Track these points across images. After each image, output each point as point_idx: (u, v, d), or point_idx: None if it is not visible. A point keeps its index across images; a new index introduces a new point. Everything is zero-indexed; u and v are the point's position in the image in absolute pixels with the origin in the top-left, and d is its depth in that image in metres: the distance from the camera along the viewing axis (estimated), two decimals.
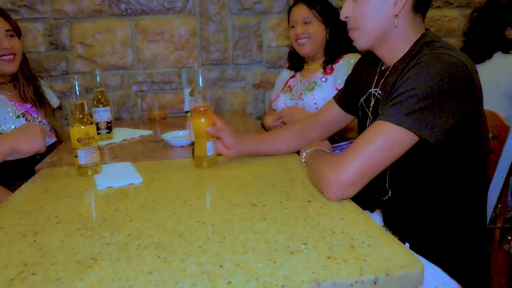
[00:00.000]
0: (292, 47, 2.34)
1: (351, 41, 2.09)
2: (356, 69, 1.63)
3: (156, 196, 1.32)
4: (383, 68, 1.41)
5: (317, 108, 2.14)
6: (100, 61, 2.76)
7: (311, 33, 2.21)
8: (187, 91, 2.63)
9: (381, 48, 1.35)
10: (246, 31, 2.85)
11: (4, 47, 1.99)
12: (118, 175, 1.52)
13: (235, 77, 2.89)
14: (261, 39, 2.88)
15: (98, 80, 2.10)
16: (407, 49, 1.30)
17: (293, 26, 2.27)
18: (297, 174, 1.46)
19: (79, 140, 1.50)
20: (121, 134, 2.22)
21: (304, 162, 1.53)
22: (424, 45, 1.25)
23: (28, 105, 2.12)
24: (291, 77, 2.41)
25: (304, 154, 1.54)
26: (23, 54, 2.12)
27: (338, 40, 2.22)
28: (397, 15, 1.26)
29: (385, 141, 1.13)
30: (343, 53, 2.20)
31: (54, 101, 2.30)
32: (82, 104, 1.51)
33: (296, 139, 1.69)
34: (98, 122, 2.09)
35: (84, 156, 1.52)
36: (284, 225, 1.07)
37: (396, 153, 1.15)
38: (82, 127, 1.51)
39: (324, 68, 2.22)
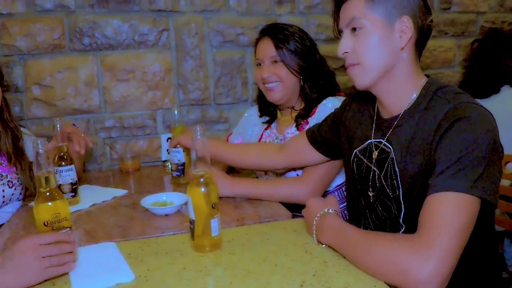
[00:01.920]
0: (259, 90, 1.97)
1: (327, 83, 1.81)
2: (342, 112, 1.53)
3: None
4: (385, 117, 1.31)
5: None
6: (61, 105, 2.36)
7: (281, 76, 1.81)
8: (163, 137, 2.27)
9: (383, 88, 1.26)
10: (228, 66, 2.52)
11: None
12: (101, 270, 1.15)
13: (218, 119, 2.54)
14: (246, 74, 2.55)
15: (59, 131, 1.71)
16: (415, 95, 1.24)
17: (259, 64, 1.88)
18: (325, 261, 1.16)
19: (46, 223, 1.17)
20: (89, 196, 1.83)
21: (321, 243, 1.27)
22: (436, 91, 1.20)
23: None
24: (266, 129, 2.01)
25: (314, 230, 1.28)
26: (4, 99, 1.83)
27: (314, 83, 1.84)
28: (403, 48, 1.20)
29: (467, 215, 1.02)
30: (319, 100, 1.83)
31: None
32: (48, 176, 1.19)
33: (262, 157, 1.76)
34: (60, 185, 1.71)
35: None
36: None
37: (472, 224, 1.04)
38: (50, 203, 1.18)
39: (298, 125, 1.84)
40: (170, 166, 2.06)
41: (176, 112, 1.99)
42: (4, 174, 1.77)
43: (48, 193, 1.19)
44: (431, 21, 1.23)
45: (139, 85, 2.43)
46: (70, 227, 1.23)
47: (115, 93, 2.41)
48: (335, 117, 1.56)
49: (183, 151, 1.93)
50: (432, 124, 1.14)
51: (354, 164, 1.40)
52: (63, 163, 1.71)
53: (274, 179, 1.84)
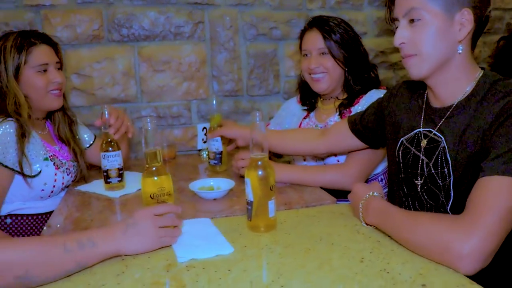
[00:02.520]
0: (303, 77, 2.02)
1: (371, 75, 1.86)
2: (387, 101, 1.54)
3: (223, 283, 1.01)
4: (436, 106, 1.32)
5: None
6: (99, 94, 2.42)
7: (328, 67, 1.86)
8: (199, 126, 2.31)
9: (438, 78, 1.27)
10: (261, 59, 2.57)
11: (56, 80, 1.78)
12: (201, 241, 1.25)
13: (250, 110, 2.59)
14: (278, 67, 2.60)
15: (107, 119, 1.77)
16: (469, 86, 1.24)
17: (306, 56, 1.93)
18: (378, 240, 1.21)
19: (152, 196, 1.30)
20: (133, 181, 1.88)
21: (367, 224, 1.32)
22: (493, 84, 1.20)
23: (56, 148, 1.85)
24: (305, 118, 2.06)
25: (361, 212, 1.33)
26: None
27: (358, 75, 1.89)
28: (461, 41, 1.21)
29: None
30: (362, 92, 1.88)
31: (87, 140, 2.03)
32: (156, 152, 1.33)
33: (304, 141, 1.80)
34: (108, 170, 1.76)
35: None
36: None
37: None
38: (156, 178, 1.31)
39: (341, 114, 1.89)
40: (206, 154, 2.11)
41: (214, 102, 2.03)
42: (64, 161, 1.83)
43: (154, 168, 1.30)
44: (489, 11, 1.24)
45: (174, 76, 2.49)
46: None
47: (152, 83, 2.47)
48: (379, 106, 1.58)
49: (221, 140, 1.97)
50: (489, 115, 1.15)
51: (400, 153, 1.41)
52: (110, 148, 1.77)
53: (318, 166, 1.88)
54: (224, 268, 1.09)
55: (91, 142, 2.05)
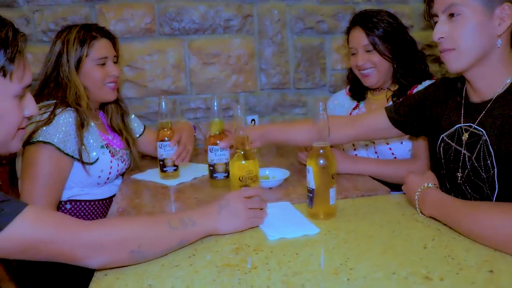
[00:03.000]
0: (351, 70, 2.05)
1: (421, 66, 1.85)
2: (425, 97, 1.54)
3: (292, 266, 1.04)
4: (475, 101, 1.33)
5: (395, 158, 1.88)
6: (150, 86, 2.49)
7: (375, 62, 1.89)
8: (248, 118, 2.35)
9: (476, 72, 1.28)
10: (308, 52, 2.59)
11: (113, 74, 1.85)
12: (288, 223, 1.33)
13: (296, 103, 2.62)
14: (325, 61, 2.62)
15: (163, 109, 1.83)
16: (509, 80, 1.25)
17: (353, 54, 1.96)
18: (439, 228, 1.22)
19: (240, 179, 1.38)
20: (187, 170, 1.94)
21: (424, 214, 1.33)
22: None
23: (110, 137, 1.92)
24: (354, 108, 2.08)
25: (417, 204, 1.34)
26: None
27: (407, 66, 1.89)
28: (500, 35, 1.22)
29: None
30: (416, 82, 1.88)
31: (136, 130, 2.10)
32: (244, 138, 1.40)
33: (332, 131, 1.62)
34: (164, 159, 1.82)
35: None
36: None
37: None
38: (244, 162, 1.38)
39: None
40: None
41: (215, 103, 1.78)
42: (117, 149, 1.89)
43: (242, 152, 1.37)
44: None
45: (223, 69, 2.53)
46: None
47: (201, 76, 2.52)
48: (419, 100, 1.56)
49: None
50: None
51: (441, 149, 1.42)
52: (166, 138, 1.83)
53: (390, 160, 1.88)
54: (291, 252, 1.12)
55: (141, 132, 2.11)
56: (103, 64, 1.82)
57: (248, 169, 1.35)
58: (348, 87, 2.12)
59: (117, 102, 1.98)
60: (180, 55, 2.49)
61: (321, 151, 1.31)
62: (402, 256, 1.07)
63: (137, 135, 2.08)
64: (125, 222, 1.11)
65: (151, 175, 1.92)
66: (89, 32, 1.80)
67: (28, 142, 1.61)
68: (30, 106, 1.12)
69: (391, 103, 1.86)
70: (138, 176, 1.92)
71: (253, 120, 2.36)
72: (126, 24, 2.42)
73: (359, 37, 1.90)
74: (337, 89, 2.63)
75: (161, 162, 1.84)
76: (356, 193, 1.58)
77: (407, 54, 1.89)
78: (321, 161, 1.30)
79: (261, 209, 1.32)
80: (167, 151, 1.82)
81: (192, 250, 1.15)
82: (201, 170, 1.94)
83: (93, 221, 1.07)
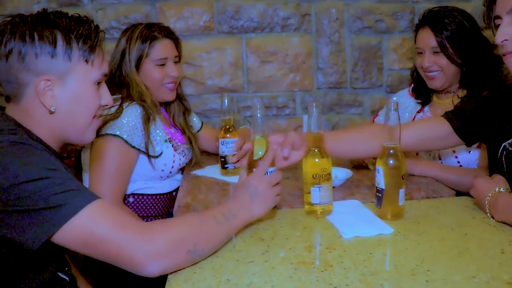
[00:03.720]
0: (416, 69, 1.98)
1: (494, 71, 1.78)
2: (487, 104, 1.50)
3: (368, 265, 1.04)
4: None
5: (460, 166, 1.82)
6: (208, 83, 2.53)
7: (442, 65, 1.82)
8: (305, 117, 2.35)
9: None
10: (366, 52, 2.57)
11: (172, 75, 1.88)
12: (361, 221, 1.33)
13: (353, 102, 2.60)
14: (382, 60, 2.60)
15: (226, 106, 1.85)
16: None
17: (420, 53, 1.89)
18: None
19: (314, 176, 1.33)
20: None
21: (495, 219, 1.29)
22: None
23: (172, 130, 1.96)
24: (418, 112, 2.01)
25: (488, 209, 1.30)
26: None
27: (478, 71, 1.80)
28: None
29: None
30: (487, 88, 1.78)
31: (195, 126, 2.14)
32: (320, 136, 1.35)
33: (373, 141, 1.50)
34: (226, 155, 1.84)
35: (319, 195, 1.34)
36: None
37: None
38: (317, 160, 1.34)
39: None
40: (223, 159, 1.89)
41: (258, 114, 1.38)
42: (179, 144, 1.93)
43: (316, 150, 1.35)
44: None
45: (280, 67, 2.54)
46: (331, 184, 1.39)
47: (258, 74, 2.54)
48: (479, 106, 1.51)
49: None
50: None
51: (503, 158, 1.38)
52: (228, 135, 1.85)
53: (452, 166, 1.83)
54: (364, 251, 1.12)
55: (199, 128, 2.15)
56: (163, 64, 1.85)
57: (322, 167, 1.34)
58: (412, 86, 2.06)
59: (180, 100, 2.01)
60: (238, 53, 2.52)
61: (391, 151, 1.30)
62: (479, 260, 1.05)
63: (195, 131, 2.11)
64: (180, 222, 1.10)
65: (211, 171, 1.94)
66: (152, 32, 1.82)
67: (97, 134, 1.66)
68: (106, 95, 1.22)
69: None
70: (198, 172, 1.95)
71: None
72: (185, 22, 2.46)
73: (427, 38, 1.83)
74: (394, 89, 2.60)
75: (223, 159, 1.86)
76: (420, 195, 1.55)
77: (478, 58, 1.80)
78: (391, 162, 1.29)
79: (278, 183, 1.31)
80: (229, 148, 1.84)
81: (265, 246, 1.17)
82: None
83: (153, 224, 1.08)
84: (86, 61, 1.12)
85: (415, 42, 1.94)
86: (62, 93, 1.11)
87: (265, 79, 2.55)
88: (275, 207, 1.35)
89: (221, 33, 2.50)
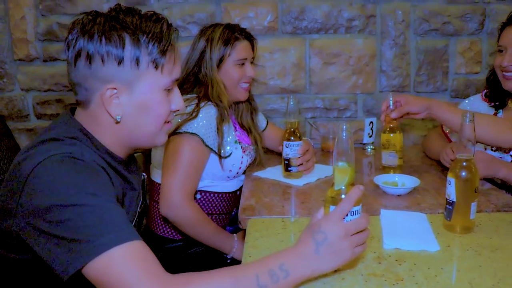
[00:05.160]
0: (493, 72, 1.91)
1: None
2: None
3: (439, 281, 1.02)
4: None
5: None
6: (270, 84, 2.54)
7: None
8: (367, 120, 2.32)
9: None
10: (431, 55, 2.51)
11: (249, 75, 1.93)
12: (409, 233, 1.30)
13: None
14: (447, 64, 2.53)
15: (291, 108, 1.85)
16: None
17: (501, 51, 1.83)
18: None
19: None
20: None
21: None
22: None
23: (238, 133, 1.99)
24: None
25: None
26: None
27: None
28: None
29: None
30: None
31: (261, 125, 2.16)
32: None
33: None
34: (290, 158, 1.85)
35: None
36: None
37: None
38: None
39: None
40: (371, 149, 2.30)
41: (344, 132, 1.10)
42: (246, 145, 1.97)
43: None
44: None
45: (343, 69, 2.52)
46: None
47: (321, 75, 2.53)
48: None
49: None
50: None
51: None
52: (292, 138, 1.85)
53: None
54: (435, 265, 1.11)
55: (264, 127, 2.18)
56: (242, 64, 1.90)
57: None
58: (485, 91, 1.99)
59: (248, 100, 2.03)
60: (301, 54, 2.51)
61: (464, 163, 1.27)
62: None
63: (261, 130, 2.13)
64: (207, 281, 0.94)
65: (272, 173, 1.95)
66: (233, 33, 1.87)
67: (174, 132, 1.72)
68: (177, 100, 1.17)
69: None
70: (260, 173, 1.96)
71: (371, 122, 2.32)
72: (249, 22, 2.47)
73: (511, 36, 1.78)
74: (459, 94, 2.53)
75: (286, 162, 1.86)
76: (491, 207, 1.51)
77: None
78: (464, 174, 1.27)
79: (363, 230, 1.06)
80: (293, 151, 1.84)
81: None
82: (324, 171, 1.95)
83: (178, 278, 0.93)
84: (156, 67, 1.07)
85: (497, 41, 1.88)
86: (129, 102, 1.07)
87: (327, 80, 2.53)
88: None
89: (285, 33, 2.49)
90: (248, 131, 2.03)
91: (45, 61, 2.59)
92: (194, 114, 1.73)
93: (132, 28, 1.05)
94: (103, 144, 1.11)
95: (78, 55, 1.04)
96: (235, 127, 2.00)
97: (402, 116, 1.72)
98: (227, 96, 1.85)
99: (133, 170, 1.25)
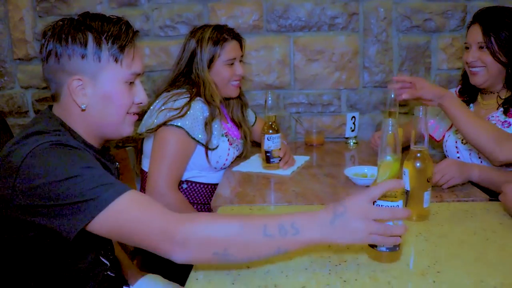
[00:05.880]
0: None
1: None
2: None
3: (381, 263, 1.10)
4: None
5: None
6: (256, 80, 2.62)
7: (486, 62, 1.81)
8: (348, 115, 2.40)
9: None
10: (413, 51, 2.57)
11: (239, 73, 2.03)
12: None
13: (399, 102, 2.61)
14: (430, 60, 2.59)
15: (269, 103, 1.94)
16: None
17: (467, 48, 1.89)
18: None
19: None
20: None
21: None
22: None
23: (228, 125, 2.10)
24: None
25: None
26: None
27: None
28: None
29: None
30: None
31: (250, 120, 2.28)
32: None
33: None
34: (272, 150, 1.95)
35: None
36: None
37: None
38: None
39: (507, 111, 1.79)
40: (353, 143, 2.40)
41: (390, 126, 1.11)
42: (234, 138, 2.07)
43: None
44: None
45: (327, 65, 2.59)
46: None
47: (305, 72, 2.60)
48: None
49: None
50: None
51: None
52: (271, 131, 1.93)
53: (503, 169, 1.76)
54: None
55: (253, 121, 2.30)
56: (232, 64, 1.99)
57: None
58: (459, 87, 2.05)
59: (239, 96, 2.14)
60: (286, 51, 2.59)
61: (418, 154, 1.34)
62: (494, 266, 1.09)
63: (250, 124, 2.24)
64: (214, 221, 1.06)
65: (251, 166, 2.05)
66: (222, 34, 1.97)
67: (163, 124, 1.82)
68: (140, 94, 1.28)
69: (501, 109, 1.81)
70: (239, 167, 2.04)
71: (353, 117, 2.40)
72: (235, 20, 2.55)
73: (475, 33, 1.83)
74: None
75: (268, 154, 1.95)
76: (452, 197, 1.58)
77: None
78: (418, 165, 1.34)
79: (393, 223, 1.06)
80: (275, 143, 1.94)
81: None
82: (301, 160, 2.10)
83: (183, 215, 1.07)
84: (116, 61, 1.18)
85: (466, 37, 1.93)
86: (93, 92, 1.18)
87: (311, 77, 2.60)
88: (398, 249, 1.11)
89: (270, 31, 2.57)
90: (238, 125, 2.13)
91: (42, 60, 2.70)
92: (184, 110, 1.83)
93: (95, 28, 1.17)
94: (80, 135, 1.22)
95: (49, 54, 1.18)
96: (226, 120, 2.11)
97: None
98: (219, 95, 1.96)
99: (108, 158, 1.36)
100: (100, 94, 1.19)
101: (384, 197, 1.06)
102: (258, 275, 1.08)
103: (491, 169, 1.71)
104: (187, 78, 1.98)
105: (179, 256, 1.02)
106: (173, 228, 1.01)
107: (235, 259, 1.03)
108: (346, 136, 2.43)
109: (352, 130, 2.41)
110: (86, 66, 1.17)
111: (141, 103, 1.29)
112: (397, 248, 1.10)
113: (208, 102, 1.89)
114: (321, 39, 2.57)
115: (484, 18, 1.82)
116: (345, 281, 1.03)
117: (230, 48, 1.98)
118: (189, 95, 1.87)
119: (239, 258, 1.04)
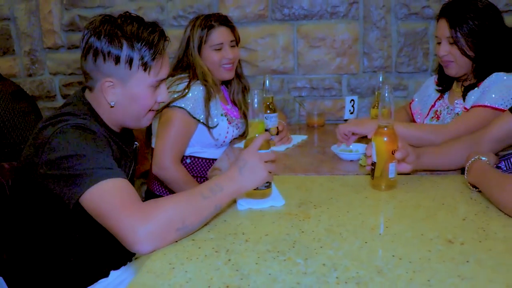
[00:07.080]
0: None
1: (502, 59, 1.84)
2: None
3: (340, 220, 1.28)
4: None
5: None
6: (261, 66, 2.81)
7: (455, 56, 1.88)
8: (347, 98, 2.56)
9: None
10: (412, 37, 2.70)
11: (228, 57, 2.18)
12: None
13: (397, 86, 2.75)
14: (428, 45, 2.71)
15: (267, 86, 2.14)
16: None
17: (438, 43, 1.96)
18: (488, 206, 1.34)
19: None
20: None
21: (472, 186, 1.46)
22: None
23: (228, 107, 2.30)
24: (438, 99, 2.10)
25: (466, 173, 1.47)
26: (239, 61, 2.32)
27: (490, 63, 1.85)
28: None
29: None
30: (488, 75, 1.85)
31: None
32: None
33: (467, 152, 1.55)
34: (270, 128, 2.15)
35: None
36: (495, 272, 0.97)
37: None
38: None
39: (464, 96, 1.90)
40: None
41: (256, 99, 1.43)
42: (234, 118, 2.28)
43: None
44: None
45: (328, 52, 2.76)
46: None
47: (307, 58, 2.78)
48: None
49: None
50: None
51: None
52: (268, 111, 2.13)
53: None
54: (344, 210, 1.35)
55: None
56: (220, 49, 2.17)
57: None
58: (437, 76, 2.15)
59: (239, 79, 2.34)
60: (289, 38, 2.76)
61: (385, 129, 1.49)
62: (438, 224, 1.23)
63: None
64: (168, 202, 1.18)
65: None
66: (209, 22, 2.16)
67: (167, 106, 2.05)
68: (163, 94, 1.48)
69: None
70: (240, 144, 2.23)
71: (352, 100, 2.55)
72: (242, 10, 2.74)
73: (443, 28, 1.90)
74: None
75: (266, 131, 2.13)
76: (426, 171, 1.70)
77: (493, 51, 1.84)
78: (384, 139, 1.49)
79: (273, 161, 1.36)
80: (272, 122, 2.15)
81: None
82: (298, 139, 2.29)
83: (147, 206, 1.16)
84: (144, 70, 1.36)
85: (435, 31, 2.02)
86: (122, 92, 1.38)
87: (314, 62, 2.77)
88: (268, 186, 1.40)
89: (274, 20, 2.75)
90: (239, 107, 2.33)
91: (69, 48, 3.00)
92: (185, 92, 2.05)
93: (130, 36, 1.33)
94: (104, 120, 1.45)
95: (88, 50, 1.35)
96: (227, 102, 2.30)
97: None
98: (211, 75, 2.15)
99: (127, 141, 1.59)
100: (127, 95, 1.39)
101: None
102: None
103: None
104: (186, 63, 2.18)
105: (145, 247, 1.12)
106: (142, 221, 1.12)
107: (192, 228, 1.19)
108: (345, 118, 2.59)
109: (351, 113, 2.57)
110: (118, 71, 1.35)
111: (162, 102, 1.50)
112: (270, 185, 1.41)
113: (203, 83, 2.09)
114: (323, 26, 2.74)
115: (449, 12, 1.89)
116: (303, 231, 1.21)
117: (216, 34, 2.16)
118: (189, 79, 2.08)
119: (194, 226, 1.20)
